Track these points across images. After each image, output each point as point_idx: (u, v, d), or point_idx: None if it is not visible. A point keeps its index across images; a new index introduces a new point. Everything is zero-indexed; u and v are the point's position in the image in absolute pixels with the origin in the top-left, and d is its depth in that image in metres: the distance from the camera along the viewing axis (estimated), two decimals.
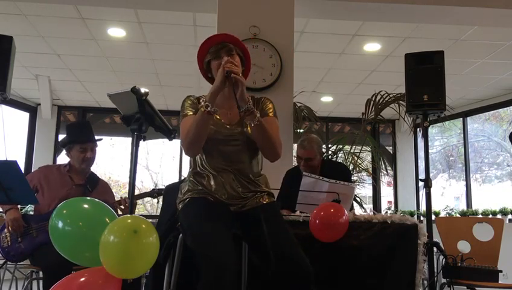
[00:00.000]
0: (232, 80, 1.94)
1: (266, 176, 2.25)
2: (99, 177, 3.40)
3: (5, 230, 3.00)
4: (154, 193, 3.19)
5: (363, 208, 5.50)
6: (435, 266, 2.89)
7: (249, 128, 2.09)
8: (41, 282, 3.01)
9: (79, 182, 3.22)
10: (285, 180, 3.39)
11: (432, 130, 8.18)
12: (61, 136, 7.76)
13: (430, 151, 3.09)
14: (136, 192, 2.70)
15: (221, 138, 2.09)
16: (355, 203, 4.62)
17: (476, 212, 6.82)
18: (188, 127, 2.02)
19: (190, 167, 2.20)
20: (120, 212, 3.06)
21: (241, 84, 1.94)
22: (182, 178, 2.27)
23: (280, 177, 3.38)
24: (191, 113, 2.11)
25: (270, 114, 2.18)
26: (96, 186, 3.28)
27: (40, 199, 3.05)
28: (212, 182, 2.09)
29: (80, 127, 3.41)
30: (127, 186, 8.71)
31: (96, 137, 3.30)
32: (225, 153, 2.10)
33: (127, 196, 3.22)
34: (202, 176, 2.12)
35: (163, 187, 3.16)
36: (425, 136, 3.06)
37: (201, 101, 2.03)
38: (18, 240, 2.97)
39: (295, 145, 5.00)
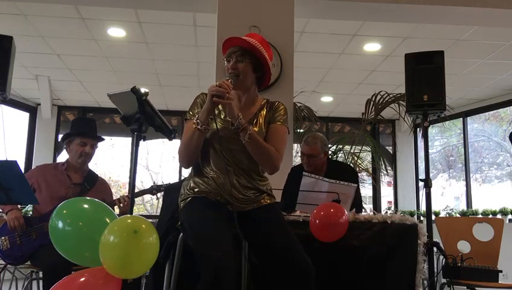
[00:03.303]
0: (222, 99, 1.94)
1: (268, 177, 2.25)
2: (99, 175, 3.38)
3: (3, 238, 2.97)
4: (153, 190, 3.18)
5: (363, 208, 5.49)
6: (435, 266, 2.89)
7: (256, 127, 2.11)
8: (41, 282, 3.01)
9: (77, 181, 3.20)
10: (290, 177, 3.39)
11: (432, 130, 8.18)
12: (61, 136, 7.76)
13: (430, 151, 3.09)
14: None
15: (226, 137, 2.09)
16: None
17: (476, 212, 6.82)
18: (183, 139, 2.08)
19: (192, 166, 2.20)
20: (117, 211, 3.05)
21: (228, 104, 1.96)
22: (182, 178, 2.27)
23: (281, 177, 3.37)
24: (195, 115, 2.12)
25: (279, 122, 2.17)
26: (94, 184, 3.25)
27: (38, 199, 3.02)
28: (213, 182, 2.09)
29: (85, 122, 3.43)
30: (127, 186, 8.71)
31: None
32: (228, 152, 2.11)
33: (127, 194, 3.22)
34: (204, 175, 2.12)
35: (162, 183, 3.17)
36: (425, 136, 3.06)
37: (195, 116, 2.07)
38: (17, 243, 2.95)
39: (295, 145, 5.01)
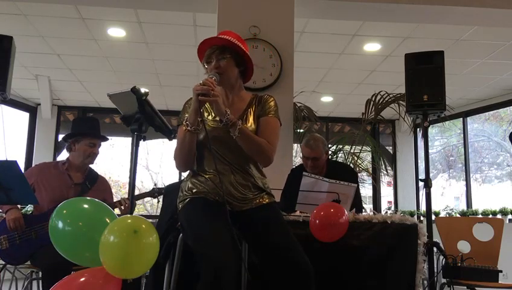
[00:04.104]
0: (208, 97, 1.94)
1: (266, 176, 2.25)
2: (99, 174, 3.37)
3: (1, 237, 2.96)
4: (154, 193, 3.18)
5: (363, 208, 5.49)
6: (435, 266, 2.89)
7: (244, 124, 2.11)
8: (41, 282, 3.01)
9: (78, 181, 3.19)
10: (290, 178, 3.39)
11: (432, 130, 8.18)
12: (61, 136, 7.77)
13: (430, 151, 3.09)
14: (136, 192, 2.69)
15: (220, 136, 2.08)
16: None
17: (476, 212, 6.82)
18: (177, 143, 2.08)
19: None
20: (119, 212, 3.04)
21: (214, 102, 1.96)
22: (182, 178, 2.27)
23: (281, 177, 3.38)
24: None
25: (270, 114, 2.18)
26: (95, 183, 3.24)
27: (38, 198, 2.99)
28: (212, 182, 2.09)
29: (91, 122, 3.42)
30: (127, 186, 8.71)
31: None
32: (225, 150, 2.11)
33: (127, 196, 3.21)
34: (202, 175, 2.12)
35: (164, 186, 3.16)
36: (425, 136, 3.06)
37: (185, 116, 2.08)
38: (17, 242, 2.94)
39: (295, 145, 5.01)
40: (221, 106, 1.97)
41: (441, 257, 2.84)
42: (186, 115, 2.09)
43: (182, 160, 2.09)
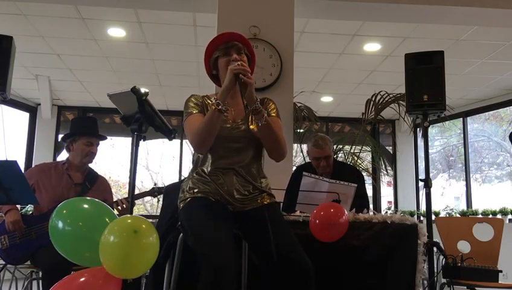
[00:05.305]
0: (241, 79, 1.95)
1: (267, 176, 2.25)
2: (99, 174, 3.36)
3: (2, 237, 2.96)
4: (154, 192, 3.18)
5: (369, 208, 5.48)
6: (435, 266, 2.89)
7: (253, 125, 2.11)
8: (41, 282, 3.01)
9: (78, 181, 3.19)
10: (294, 176, 3.38)
11: (432, 130, 8.18)
12: (61, 136, 7.77)
13: (430, 151, 3.09)
14: (136, 192, 2.69)
15: (224, 135, 2.08)
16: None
17: (476, 212, 6.82)
18: (196, 125, 2.03)
19: (192, 166, 2.20)
20: (117, 213, 3.04)
21: (250, 84, 1.96)
22: (182, 178, 2.26)
23: (281, 177, 3.37)
24: (196, 111, 2.12)
25: (273, 114, 2.19)
26: (95, 183, 3.25)
27: (38, 199, 2.99)
28: (213, 182, 2.09)
29: (88, 121, 3.42)
30: (127, 186, 8.71)
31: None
32: (228, 150, 2.10)
33: (127, 195, 3.21)
34: (204, 175, 2.12)
35: (163, 186, 3.16)
36: (425, 136, 3.06)
37: (212, 99, 2.08)
38: (17, 242, 2.95)
39: (295, 145, 5.01)
40: (253, 91, 1.97)
41: (441, 257, 2.84)
42: (195, 108, 2.10)
43: (207, 140, 2.02)
